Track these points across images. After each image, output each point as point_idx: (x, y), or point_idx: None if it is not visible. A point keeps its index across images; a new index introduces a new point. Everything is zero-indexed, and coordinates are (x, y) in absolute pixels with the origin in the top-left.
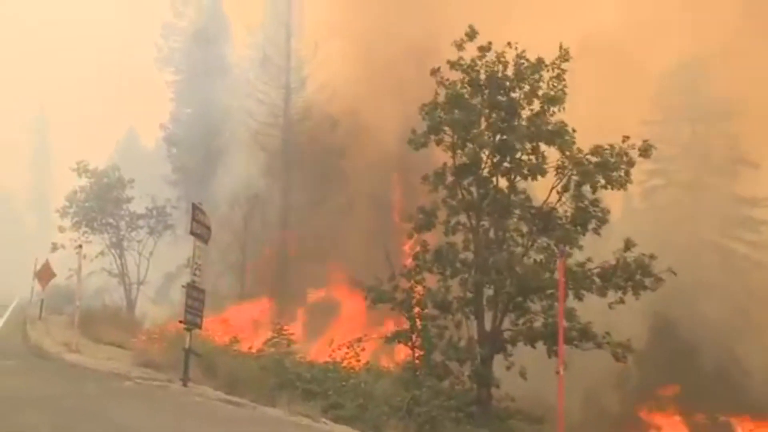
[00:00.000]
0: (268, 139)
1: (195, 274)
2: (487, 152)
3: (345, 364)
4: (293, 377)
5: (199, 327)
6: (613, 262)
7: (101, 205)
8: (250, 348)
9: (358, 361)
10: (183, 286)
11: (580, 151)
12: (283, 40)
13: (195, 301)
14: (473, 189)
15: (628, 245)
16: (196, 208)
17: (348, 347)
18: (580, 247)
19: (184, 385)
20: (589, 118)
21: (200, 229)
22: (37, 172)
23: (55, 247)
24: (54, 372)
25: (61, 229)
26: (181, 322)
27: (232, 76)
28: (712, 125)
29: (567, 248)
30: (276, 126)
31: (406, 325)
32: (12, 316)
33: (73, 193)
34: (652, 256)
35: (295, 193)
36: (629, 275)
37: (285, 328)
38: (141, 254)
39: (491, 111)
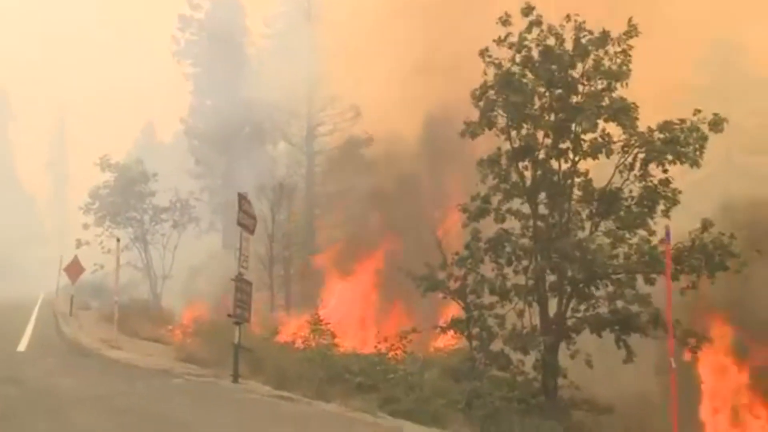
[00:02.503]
0: (291, 128)
1: (243, 266)
2: (542, 133)
3: (390, 355)
4: (341, 370)
5: (248, 321)
6: (688, 244)
7: (125, 200)
8: (294, 341)
9: (404, 352)
10: (232, 279)
11: (651, 130)
12: (304, 28)
13: (243, 294)
14: (527, 173)
15: (706, 225)
16: (242, 198)
17: (398, 338)
18: (653, 232)
19: (235, 381)
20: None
21: (246, 219)
22: (54, 169)
23: (80, 243)
24: (99, 369)
25: (86, 226)
26: (229, 315)
27: (251, 67)
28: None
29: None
30: (299, 116)
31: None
32: (41, 313)
33: (96, 189)
34: (732, 236)
35: (321, 183)
36: (707, 257)
37: (322, 319)
38: (165, 248)
39: (547, 89)
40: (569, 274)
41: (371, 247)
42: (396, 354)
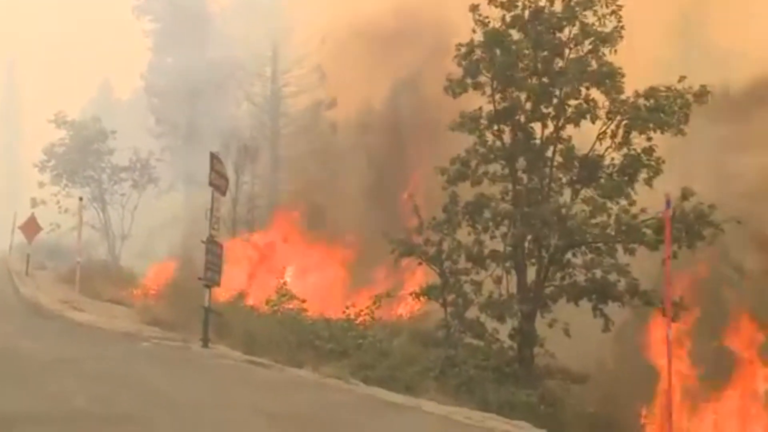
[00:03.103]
0: (255, 89)
1: (214, 228)
2: (524, 97)
3: (359, 321)
4: (311, 336)
5: (218, 284)
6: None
7: (82, 158)
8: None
9: (372, 318)
10: (203, 241)
11: (638, 95)
12: None
13: (214, 256)
14: (505, 137)
15: (686, 194)
16: (214, 158)
17: (372, 303)
18: (633, 202)
19: (204, 345)
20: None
21: (218, 179)
22: (6, 124)
23: (35, 203)
24: (63, 332)
25: (41, 184)
26: (200, 279)
27: (214, 25)
28: None
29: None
30: (263, 76)
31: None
32: None
33: (51, 146)
34: (712, 206)
35: (284, 145)
36: (687, 226)
37: (286, 283)
38: (124, 208)
39: (535, 51)
40: (548, 241)
41: (335, 212)
42: (364, 320)
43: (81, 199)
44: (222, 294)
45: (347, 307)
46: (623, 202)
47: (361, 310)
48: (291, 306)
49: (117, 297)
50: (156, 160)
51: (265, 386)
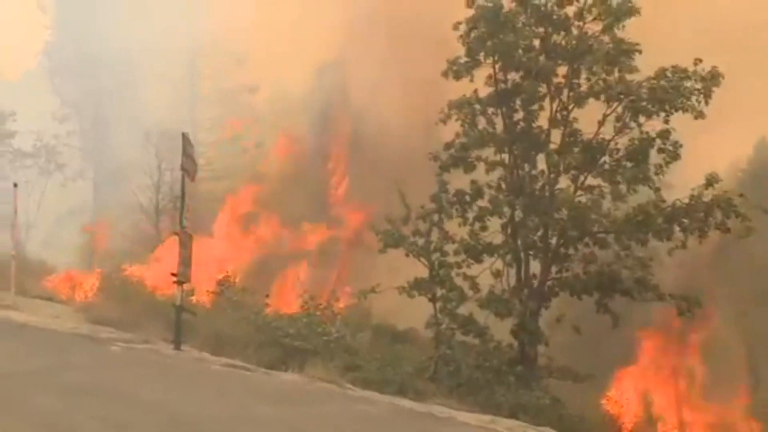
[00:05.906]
0: (170, 69)
1: (185, 218)
2: (520, 76)
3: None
4: (280, 333)
5: (189, 280)
6: (686, 201)
7: None
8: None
9: (333, 312)
10: (174, 233)
11: (662, 72)
12: None
13: (187, 249)
14: (500, 120)
15: (711, 181)
16: (185, 139)
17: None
18: (657, 189)
19: (177, 348)
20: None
21: (188, 163)
22: None
23: None
24: (11, 337)
25: None
26: (173, 274)
27: (123, 2)
28: None
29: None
30: (178, 57)
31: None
32: None
33: None
34: (741, 195)
35: (204, 131)
36: (708, 215)
37: (228, 274)
38: (29, 196)
39: (537, 27)
40: (555, 231)
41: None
42: (324, 314)
43: (15, 185)
44: (165, 287)
45: (305, 302)
46: (645, 188)
47: (320, 305)
48: (252, 302)
49: (42, 292)
50: (63, 145)
51: (275, 396)
